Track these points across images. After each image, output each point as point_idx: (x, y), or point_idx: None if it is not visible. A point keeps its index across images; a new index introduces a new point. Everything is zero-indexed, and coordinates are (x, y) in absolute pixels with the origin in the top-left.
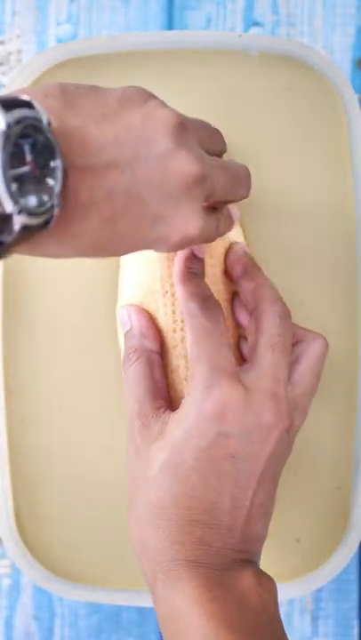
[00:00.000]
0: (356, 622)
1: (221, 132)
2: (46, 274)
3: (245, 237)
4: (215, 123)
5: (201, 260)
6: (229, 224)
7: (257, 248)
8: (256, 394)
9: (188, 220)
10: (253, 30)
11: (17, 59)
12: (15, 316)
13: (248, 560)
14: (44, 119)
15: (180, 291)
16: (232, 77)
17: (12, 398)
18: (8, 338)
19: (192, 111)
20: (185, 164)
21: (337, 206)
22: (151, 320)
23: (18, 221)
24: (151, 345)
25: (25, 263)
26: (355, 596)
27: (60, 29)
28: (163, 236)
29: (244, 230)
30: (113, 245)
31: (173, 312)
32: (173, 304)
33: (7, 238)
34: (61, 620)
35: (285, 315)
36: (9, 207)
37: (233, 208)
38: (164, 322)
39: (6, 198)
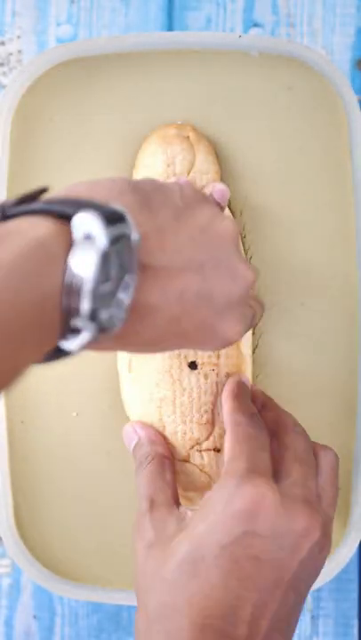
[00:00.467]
0: (355, 622)
1: (222, 132)
2: None
3: (245, 237)
4: (215, 123)
5: (247, 387)
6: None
7: (257, 247)
8: (290, 499)
9: (237, 325)
10: (253, 31)
11: (17, 59)
12: None
13: None
14: (135, 237)
15: (229, 404)
16: (232, 78)
17: (12, 398)
18: None
19: (193, 111)
20: (248, 272)
21: (337, 206)
22: (157, 430)
23: (87, 334)
24: (163, 450)
25: None
26: (354, 595)
27: (61, 30)
28: (218, 336)
29: (243, 229)
30: (171, 343)
31: (185, 432)
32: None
33: (72, 347)
34: (61, 619)
35: (305, 433)
36: (85, 324)
37: (222, 187)
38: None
39: (87, 315)
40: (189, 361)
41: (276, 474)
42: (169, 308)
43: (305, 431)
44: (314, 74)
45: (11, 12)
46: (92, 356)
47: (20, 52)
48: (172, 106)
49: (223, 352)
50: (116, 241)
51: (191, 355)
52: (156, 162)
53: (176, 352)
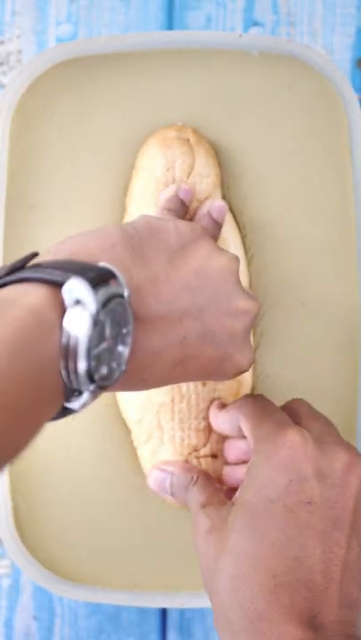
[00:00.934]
0: None
1: (222, 131)
2: None
3: (245, 236)
4: (215, 122)
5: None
6: None
7: (257, 248)
8: (323, 441)
9: (246, 356)
10: (253, 30)
11: (17, 59)
12: None
13: (349, 635)
14: (126, 293)
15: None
16: (232, 77)
17: None
18: None
19: (192, 111)
20: (251, 304)
21: (337, 206)
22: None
23: (87, 394)
24: (202, 470)
25: None
26: None
27: (60, 29)
28: (226, 371)
29: (241, 230)
30: (179, 381)
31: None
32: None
33: (75, 406)
34: (61, 620)
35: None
36: (85, 386)
37: (220, 204)
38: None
39: (84, 378)
40: None
41: None
42: (172, 355)
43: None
44: (314, 73)
45: (10, 12)
46: None
47: (19, 51)
48: (171, 105)
49: None
50: (107, 302)
51: None
52: (156, 165)
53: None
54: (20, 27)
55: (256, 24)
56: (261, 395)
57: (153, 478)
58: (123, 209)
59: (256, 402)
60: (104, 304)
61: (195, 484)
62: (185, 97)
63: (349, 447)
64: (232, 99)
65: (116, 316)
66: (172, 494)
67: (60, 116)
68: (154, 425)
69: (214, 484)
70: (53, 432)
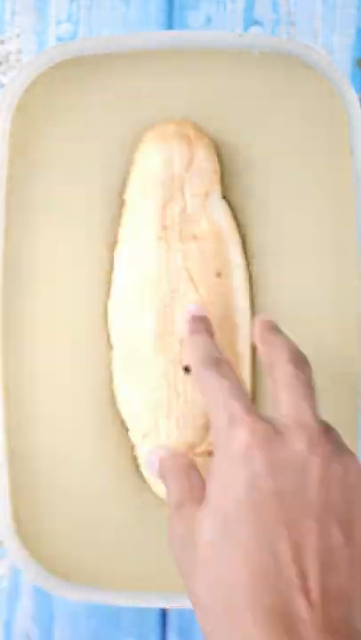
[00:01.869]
0: None
1: (221, 131)
2: (45, 274)
3: (244, 237)
4: (215, 122)
5: (205, 318)
6: None
7: (258, 249)
8: (282, 426)
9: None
10: (253, 30)
11: (17, 58)
12: (15, 315)
13: (336, 629)
14: None
15: (189, 356)
16: (232, 77)
17: (12, 398)
18: (8, 338)
19: (192, 111)
20: None
21: (337, 206)
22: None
23: None
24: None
25: (23, 264)
26: None
27: (61, 29)
28: None
29: (241, 229)
30: None
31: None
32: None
33: None
34: (61, 621)
35: (297, 359)
36: None
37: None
38: None
39: None
40: (184, 365)
41: (274, 410)
42: None
43: (297, 357)
44: (314, 73)
45: (10, 11)
46: (91, 358)
47: (19, 51)
48: (171, 105)
49: None
50: None
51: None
52: (155, 160)
53: (171, 356)
54: (19, 26)
55: (256, 23)
56: (222, 365)
57: (148, 462)
58: (121, 204)
59: (213, 377)
60: None
61: (171, 478)
62: (185, 97)
63: (307, 427)
64: (232, 98)
65: None
66: (161, 478)
67: (61, 115)
68: (151, 423)
69: (192, 477)
70: (54, 432)
